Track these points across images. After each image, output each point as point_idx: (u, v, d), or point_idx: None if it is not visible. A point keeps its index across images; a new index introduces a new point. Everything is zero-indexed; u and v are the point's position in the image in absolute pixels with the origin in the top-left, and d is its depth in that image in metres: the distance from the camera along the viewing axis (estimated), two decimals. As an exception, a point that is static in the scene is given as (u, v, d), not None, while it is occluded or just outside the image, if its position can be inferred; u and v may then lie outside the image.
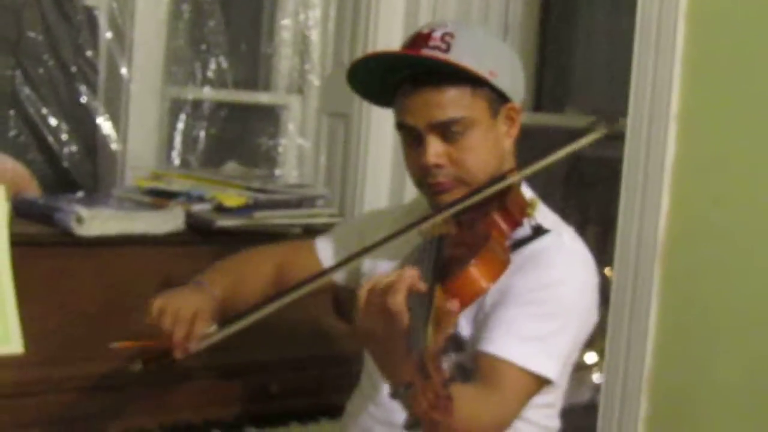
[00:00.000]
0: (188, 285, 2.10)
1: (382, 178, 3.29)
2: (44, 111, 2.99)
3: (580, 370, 3.32)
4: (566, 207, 3.45)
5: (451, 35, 1.85)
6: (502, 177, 1.85)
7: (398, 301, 1.48)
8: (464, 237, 1.75)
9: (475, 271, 1.62)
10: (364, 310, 1.56)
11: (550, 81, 3.51)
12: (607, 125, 1.90)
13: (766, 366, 2.27)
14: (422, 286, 1.50)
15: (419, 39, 1.88)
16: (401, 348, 1.40)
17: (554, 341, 1.79)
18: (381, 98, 2.00)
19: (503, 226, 1.80)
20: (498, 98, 1.89)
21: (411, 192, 3.07)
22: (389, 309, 1.49)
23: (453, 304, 1.51)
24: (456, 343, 1.35)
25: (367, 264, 2.10)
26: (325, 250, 2.23)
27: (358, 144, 3.30)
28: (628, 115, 2.48)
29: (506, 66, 1.92)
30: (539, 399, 1.86)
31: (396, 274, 1.53)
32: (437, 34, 1.86)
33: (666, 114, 2.41)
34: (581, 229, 3.23)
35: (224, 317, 2.01)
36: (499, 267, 1.68)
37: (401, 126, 1.92)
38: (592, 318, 1.92)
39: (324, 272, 1.96)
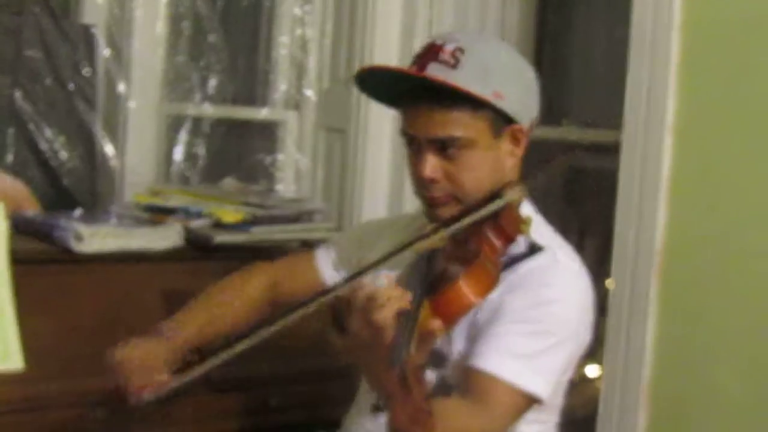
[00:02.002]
0: (149, 333, 2.11)
1: (379, 191, 3.30)
2: (43, 129, 2.99)
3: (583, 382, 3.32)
4: (565, 219, 3.45)
5: (462, 51, 1.84)
6: (497, 195, 1.85)
7: (385, 316, 1.50)
8: (456, 252, 1.75)
9: (463, 286, 1.61)
10: (354, 318, 1.57)
11: (547, 94, 3.51)
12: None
13: (765, 375, 2.27)
14: (407, 304, 1.51)
15: (430, 51, 1.87)
16: (384, 360, 1.41)
17: (546, 359, 1.78)
18: (390, 101, 2.00)
19: (496, 242, 1.79)
20: (502, 119, 1.88)
21: (409, 205, 3.09)
22: (375, 323, 1.50)
23: (436, 323, 1.51)
24: (437, 358, 1.35)
25: (368, 277, 2.09)
26: (324, 262, 2.24)
27: (355, 158, 3.31)
28: (623, 126, 2.49)
29: (515, 86, 1.90)
30: (535, 416, 1.86)
31: (387, 289, 1.53)
32: (449, 48, 1.85)
33: (661, 125, 2.42)
34: (580, 242, 3.24)
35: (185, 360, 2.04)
36: (488, 283, 1.67)
37: (404, 133, 1.93)
38: (585, 338, 1.91)
39: (324, 293, 1.95)
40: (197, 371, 1.96)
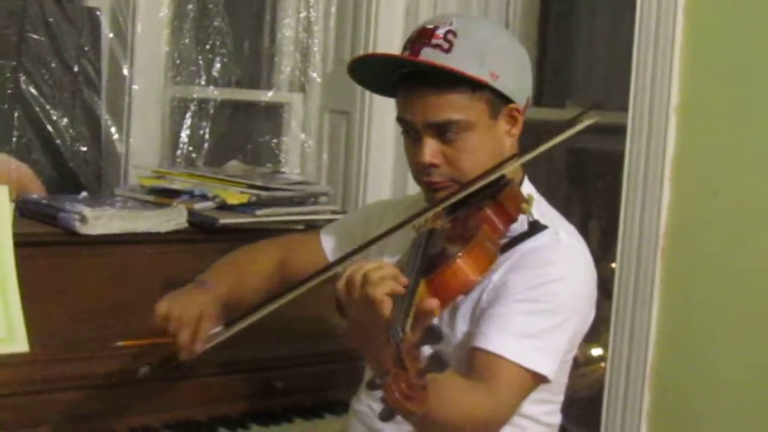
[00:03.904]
0: (191, 285, 2.12)
1: (383, 174, 3.31)
2: (48, 112, 2.99)
3: (588, 364, 3.33)
4: (569, 202, 3.46)
5: (455, 33, 1.84)
6: (491, 170, 1.85)
7: (379, 291, 1.51)
8: (456, 231, 1.75)
9: (461, 264, 1.62)
10: (347, 299, 1.59)
11: (551, 76, 3.52)
12: (595, 112, 1.89)
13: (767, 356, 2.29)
14: (403, 281, 1.52)
15: (423, 35, 1.87)
16: (382, 337, 1.42)
17: (549, 338, 1.78)
18: (384, 90, 2.00)
19: (496, 221, 1.79)
20: (499, 99, 1.88)
21: (413, 188, 3.08)
22: (370, 298, 1.51)
23: (433, 303, 1.52)
24: (433, 334, 1.35)
25: (371, 257, 2.10)
26: (329, 242, 2.24)
27: (360, 141, 3.32)
28: (628, 108, 2.49)
29: (510, 66, 1.90)
30: (539, 395, 1.86)
31: (381, 267, 1.55)
32: (441, 32, 1.85)
33: (666, 107, 2.42)
34: (584, 224, 3.24)
35: (229, 315, 2.03)
36: (486, 261, 1.68)
37: (401, 120, 1.92)
38: (589, 316, 1.91)
39: (328, 267, 1.97)
40: (246, 322, 1.93)
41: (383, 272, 1.55)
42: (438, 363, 1.31)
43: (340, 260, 1.94)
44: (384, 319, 1.48)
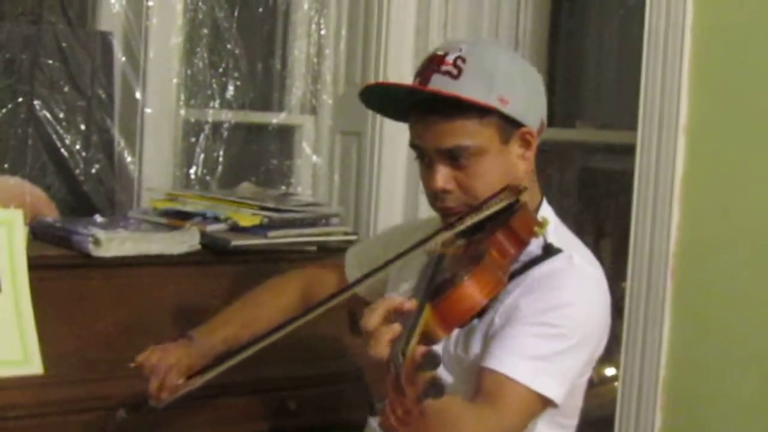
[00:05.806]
0: (179, 339, 2.16)
1: (395, 195, 3.31)
2: (62, 135, 3.01)
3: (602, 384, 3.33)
4: (581, 222, 3.46)
5: (464, 59, 1.84)
6: (498, 193, 1.85)
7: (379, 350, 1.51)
8: (465, 255, 1.74)
9: (466, 289, 1.59)
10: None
11: (561, 96, 3.53)
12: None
13: (780, 375, 2.28)
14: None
15: (433, 62, 1.87)
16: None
17: (560, 362, 1.77)
18: (398, 115, 2.00)
19: (506, 245, 1.75)
20: (510, 124, 1.87)
21: (424, 209, 3.09)
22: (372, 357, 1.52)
23: (438, 331, 1.54)
24: (432, 360, 1.35)
25: (390, 281, 2.12)
26: (353, 267, 2.25)
27: (372, 162, 3.33)
28: (637, 128, 2.50)
29: (520, 90, 1.89)
30: (552, 417, 1.86)
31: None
32: (450, 58, 1.85)
33: (675, 127, 2.43)
34: (596, 244, 3.24)
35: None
36: (492, 285, 1.64)
37: (414, 146, 1.93)
38: (602, 340, 1.90)
39: (342, 291, 1.96)
40: (209, 375, 1.96)
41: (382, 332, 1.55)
42: (435, 388, 1.31)
43: (357, 282, 1.93)
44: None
